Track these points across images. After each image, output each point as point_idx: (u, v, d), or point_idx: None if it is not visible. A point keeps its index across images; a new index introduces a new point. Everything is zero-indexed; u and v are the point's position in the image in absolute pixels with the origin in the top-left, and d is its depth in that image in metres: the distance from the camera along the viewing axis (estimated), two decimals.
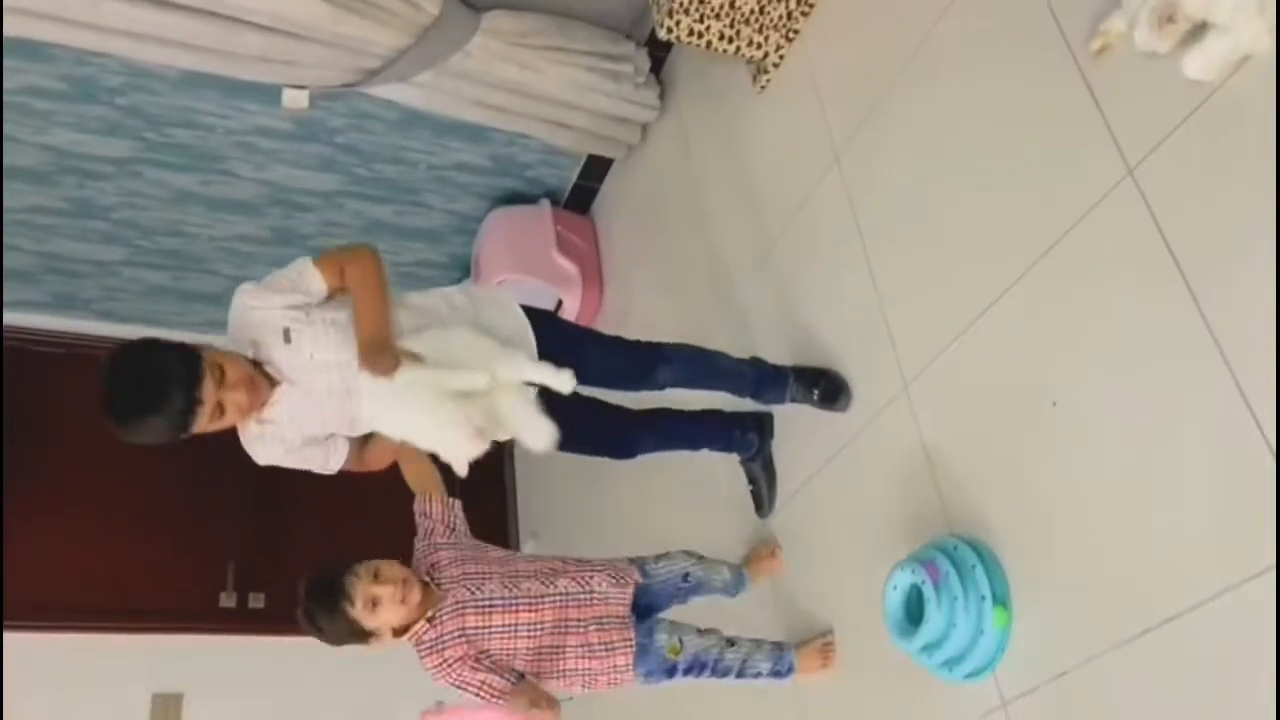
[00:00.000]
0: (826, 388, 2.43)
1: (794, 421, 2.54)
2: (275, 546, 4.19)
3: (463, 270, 4.34)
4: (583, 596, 2.19)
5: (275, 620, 4.09)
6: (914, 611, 1.94)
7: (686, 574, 2.39)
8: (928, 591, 1.87)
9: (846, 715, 2.34)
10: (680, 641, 2.24)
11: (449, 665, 2.11)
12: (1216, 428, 1.55)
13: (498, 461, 4.94)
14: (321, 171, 3.85)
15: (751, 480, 2.68)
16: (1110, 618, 1.70)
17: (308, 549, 4.17)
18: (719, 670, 2.27)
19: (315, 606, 2.08)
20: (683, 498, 3.08)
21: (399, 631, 2.11)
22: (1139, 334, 1.70)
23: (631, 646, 2.18)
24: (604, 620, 2.19)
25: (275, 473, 4.40)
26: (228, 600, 4.03)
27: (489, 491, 4.86)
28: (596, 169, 4.11)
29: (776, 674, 2.36)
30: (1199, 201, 1.62)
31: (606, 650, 2.17)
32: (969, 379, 2.07)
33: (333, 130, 3.68)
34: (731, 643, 2.31)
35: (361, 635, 2.08)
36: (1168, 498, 1.62)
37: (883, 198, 2.42)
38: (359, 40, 3.20)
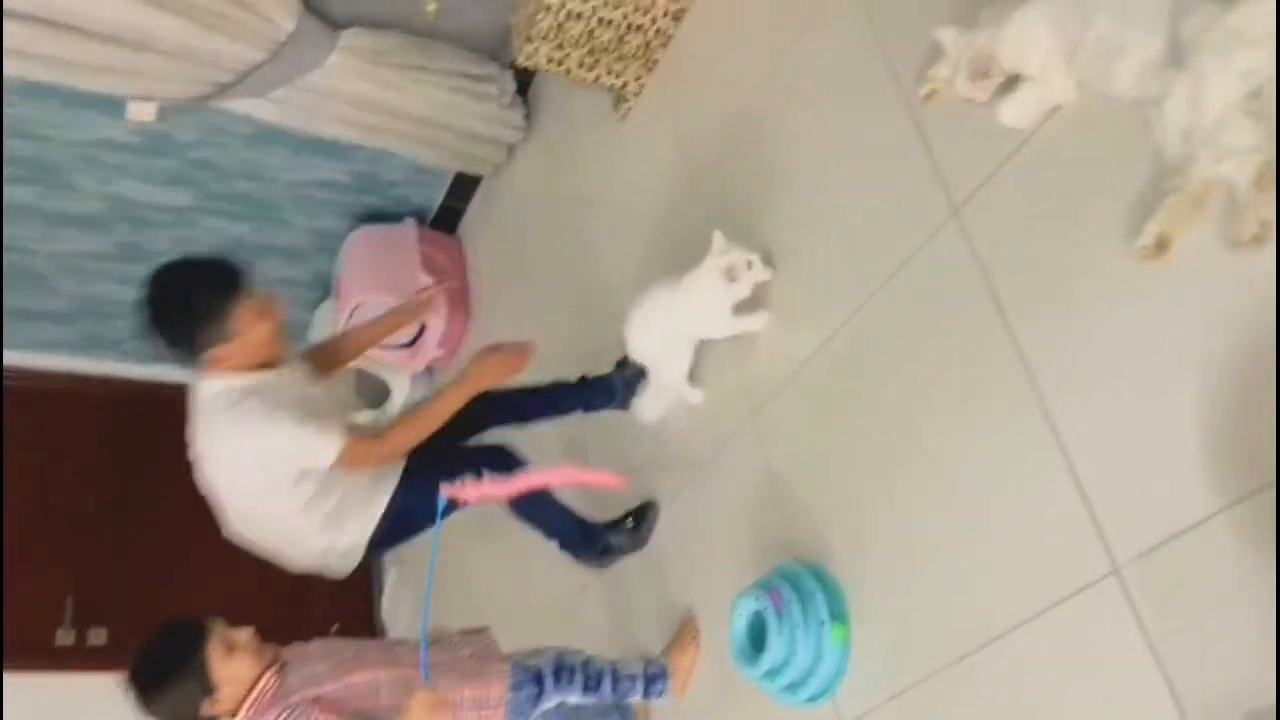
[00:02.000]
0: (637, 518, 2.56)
1: (648, 449, 2.57)
2: (119, 578, 3.98)
3: (325, 289, 4.23)
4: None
5: (118, 657, 3.87)
6: (759, 638, 1.97)
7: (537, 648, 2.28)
8: (770, 619, 1.91)
9: None
10: (538, 651, 2.21)
11: (297, 711, 1.90)
12: (1029, 457, 1.62)
13: None
14: (172, 186, 3.71)
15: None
16: (943, 638, 1.76)
17: (154, 581, 3.99)
18: (590, 673, 2.20)
19: (164, 653, 1.91)
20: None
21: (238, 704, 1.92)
22: (963, 369, 1.78)
23: (508, 676, 2.12)
24: (479, 658, 2.15)
25: (117, 501, 4.17)
26: (65, 637, 3.80)
27: None
28: (464, 188, 4.08)
29: (652, 680, 2.28)
30: (1015, 242, 1.71)
31: (484, 682, 2.08)
32: (810, 409, 2.13)
33: (184, 145, 3.55)
34: (592, 658, 2.26)
35: (206, 689, 1.88)
36: (992, 523, 1.70)
37: (736, 228, 2.45)
38: (209, 53, 3.09)
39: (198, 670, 1.88)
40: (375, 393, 4.29)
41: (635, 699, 2.30)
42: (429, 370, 4.19)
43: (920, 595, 1.81)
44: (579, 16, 2.66)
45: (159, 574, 4.03)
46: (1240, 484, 1.34)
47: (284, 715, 1.90)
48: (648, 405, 2.57)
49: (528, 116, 3.63)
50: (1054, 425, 1.59)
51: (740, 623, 2.00)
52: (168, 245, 3.93)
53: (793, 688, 1.94)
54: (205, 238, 3.95)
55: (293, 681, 1.96)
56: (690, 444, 2.47)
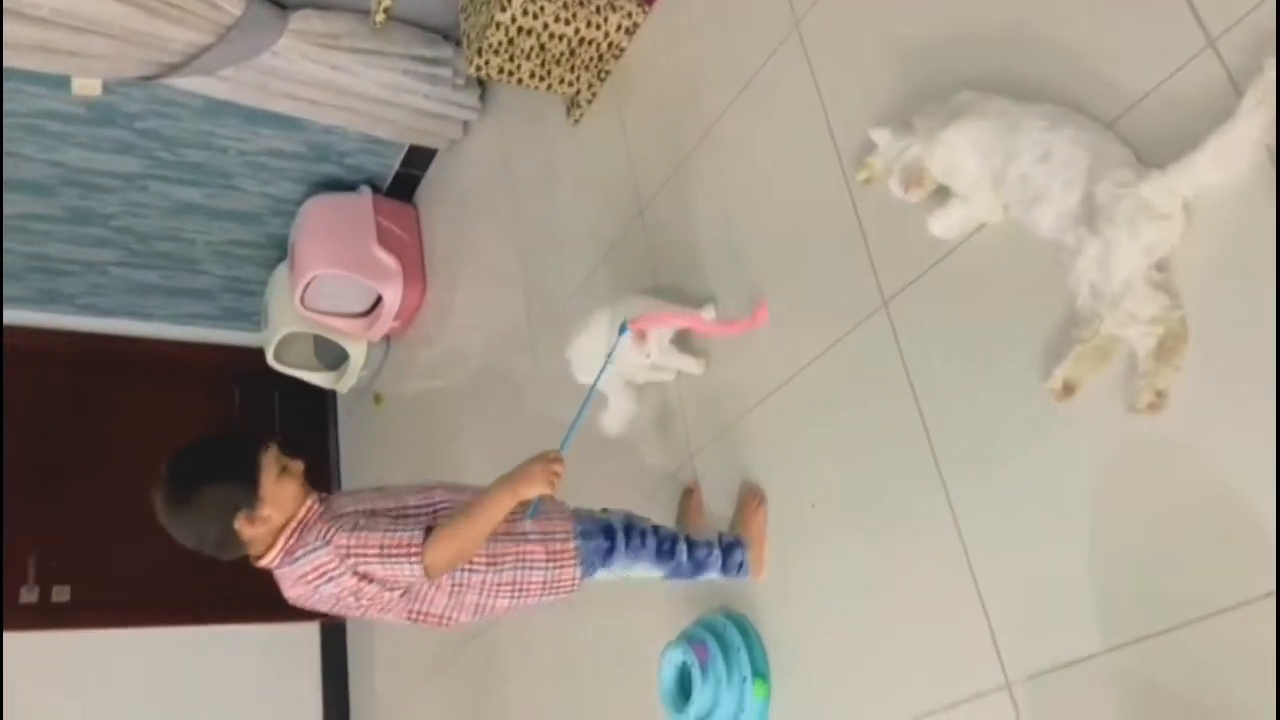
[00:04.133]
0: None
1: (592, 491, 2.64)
2: (80, 535, 4.03)
3: (280, 251, 4.20)
4: None
5: (83, 613, 3.98)
6: (686, 686, 2.09)
7: (605, 507, 2.06)
8: (695, 672, 2.02)
9: None
10: (605, 509, 2.03)
11: (346, 527, 1.67)
12: (940, 561, 1.71)
13: (321, 422, 4.85)
14: (120, 155, 3.63)
15: None
16: (860, 703, 1.88)
17: (116, 535, 4.04)
18: (663, 539, 1.98)
19: (216, 448, 1.72)
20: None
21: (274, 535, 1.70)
22: (883, 457, 1.85)
23: (570, 518, 1.93)
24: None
25: (77, 458, 4.16)
26: (29, 595, 3.89)
27: (312, 451, 4.80)
28: (420, 157, 4.02)
29: (729, 550, 2.05)
30: (935, 348, 1.77)
31: (545, 517, 1.88)
32: (741, 462, 2.20)
33: (131, 115, 3.47)
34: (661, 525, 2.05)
35: (251, 498, 1.66)
36: (901, 615, 1.80)
37: (682, 262, 2.48)
38: (153, 37, 3.01)
39: (250, 472, 1.67)
40: (333, 356, 4.32)
41: (713, 574, 2.04)
42: (386, 339, 4.21)
43: (834, 667, 1.93)
44: (530, 32, 2.61)
45: (121, 531, 4.08)
46: (1128, 629, 1.43)
47: (328, 531, 1.68)
48: (609, 421, 2.57)
49: (482, 97, 3.57)
50: (963, 536, 1.68)
51: (669, 671, 2.11)
52: (118, 209, 3.89)
53: None
54: (156, 202, 3.91)
55: (336, 508, 1.75)
56: (635, 476, 2.54)
